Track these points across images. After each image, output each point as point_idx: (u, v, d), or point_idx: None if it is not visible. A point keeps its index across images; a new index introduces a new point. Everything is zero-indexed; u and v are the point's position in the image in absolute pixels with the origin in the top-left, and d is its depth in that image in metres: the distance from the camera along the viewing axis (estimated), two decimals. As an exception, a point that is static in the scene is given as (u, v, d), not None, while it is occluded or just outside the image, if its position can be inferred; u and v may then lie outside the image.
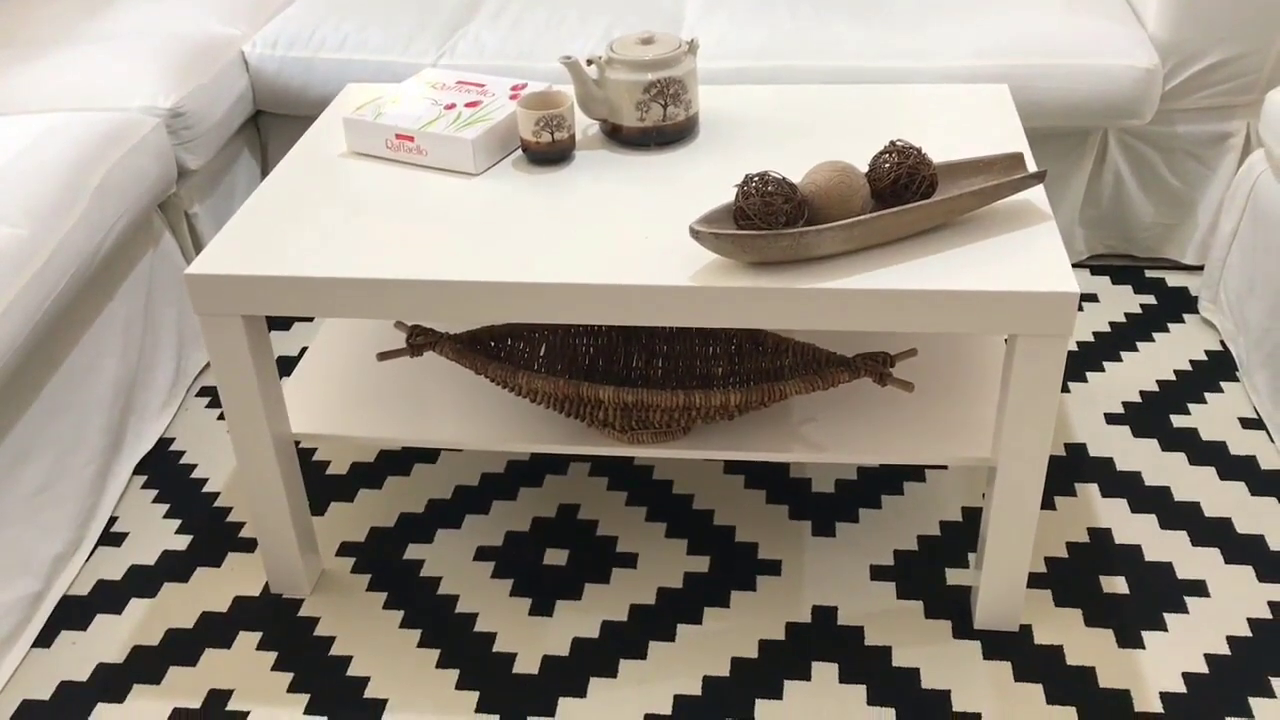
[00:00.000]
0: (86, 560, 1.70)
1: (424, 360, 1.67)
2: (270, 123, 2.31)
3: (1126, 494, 1.72)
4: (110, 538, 1.74)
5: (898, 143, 1.37)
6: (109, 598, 1.64)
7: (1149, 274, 2.24)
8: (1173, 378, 1.96)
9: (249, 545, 1.71)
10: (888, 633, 1.52)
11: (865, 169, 1.50)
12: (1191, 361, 2.00)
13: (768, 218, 1.29)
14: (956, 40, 2.06)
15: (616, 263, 1.35)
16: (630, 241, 1.39)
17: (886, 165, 1.35)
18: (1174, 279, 2.22)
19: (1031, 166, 1.46)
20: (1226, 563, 1.60)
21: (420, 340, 1.53)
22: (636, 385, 1.59)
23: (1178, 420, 1.86)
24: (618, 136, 1.61)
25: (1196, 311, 2.12)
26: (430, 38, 2.19)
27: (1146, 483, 1.74)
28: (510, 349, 1.60)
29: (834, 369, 1.45)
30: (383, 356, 1.54)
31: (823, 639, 1.52)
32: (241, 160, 2.26)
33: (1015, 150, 1.48)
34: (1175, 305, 2.14)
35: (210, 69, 2.08)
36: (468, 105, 1.62)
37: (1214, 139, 2.14)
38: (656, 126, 1.58)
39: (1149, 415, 1.88)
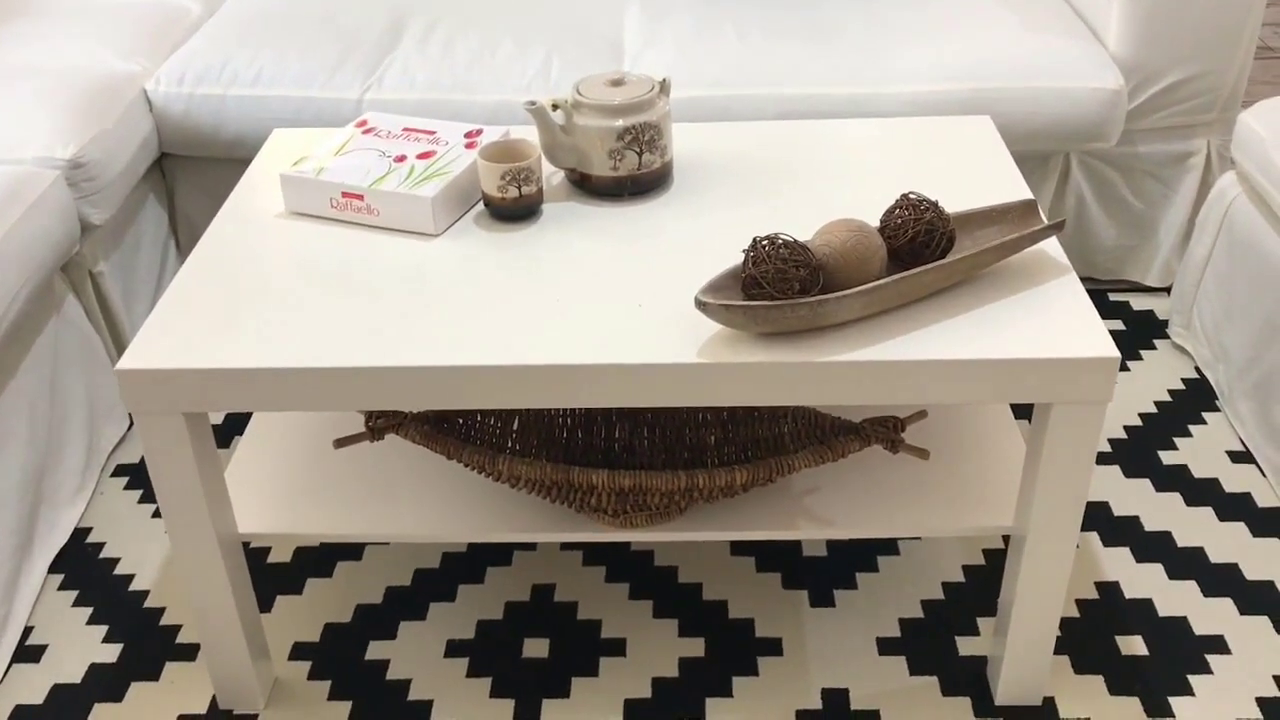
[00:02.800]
0: (0, 683, 1.49)
1: (383, 441, 1.50)
2: (177, 165, 2.11)
3: (1128, 542, 1.65)
4: (27, 652, 1.54)
5: (911, 196, 1.26)
6: (31, 726, 1.44)
7: (1112, 297, 2.18)
8: (1154, 410, 1.90)
9: (190, 652, 1.53)
10: (906, 716, 1.42)
11: (863, 216, 1.39)
12: (1170, 391, 1.94)
13: (782, 285, 1.17)
14: (917, 65, 1.97)
15: (610, 338, 1.21)
16: (621, 312, 1.26)
17: (901, 222, 1.24)
18: (1138, 302, 2.16)
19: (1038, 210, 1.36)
20: (1241, 614, 1.53)
21: (382, 424, 1.37)
22: (622, 456, 1.45)
23: (1166, 457, 1.80)
24: (587, 186, 1.47)
25: (1167, 337, 2.06)
26: (354, 69, 2.02)
27: (1146, 528, 1.67)
28: (481, 425, 1.45)
29: (843, 438, 1.34)
30: (340, 443, 1.38)
31: (837, 727, 1.41)
32: (147, 209, 2.06)
33: (1024, 196, 1.39)
34: (1145, 331, 2.08)
35: (111, 112, 1.88)
36: (420, 157, 1.46)
37: (1175, 158, 2.09)
38: (631, 176, 1.45)
39: (1137, 453, 1.81)
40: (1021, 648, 1.38)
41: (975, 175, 1.49)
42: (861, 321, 1.22)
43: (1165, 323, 2.10)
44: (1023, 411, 1.87)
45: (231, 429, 1.91)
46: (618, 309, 1.26)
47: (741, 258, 1.32)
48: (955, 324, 1.21)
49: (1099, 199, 2.12)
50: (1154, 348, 2.04)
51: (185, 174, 2.12)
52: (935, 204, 1.25)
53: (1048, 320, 1.22)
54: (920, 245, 1.23)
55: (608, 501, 1.32)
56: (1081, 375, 1.17)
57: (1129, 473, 1.77)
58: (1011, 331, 1.20)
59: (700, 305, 1.16)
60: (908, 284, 1.20)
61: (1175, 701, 1.42)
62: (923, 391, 1.18)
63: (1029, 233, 1.26)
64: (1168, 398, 1.92)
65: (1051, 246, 1.34)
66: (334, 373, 1.20)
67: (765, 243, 1.19)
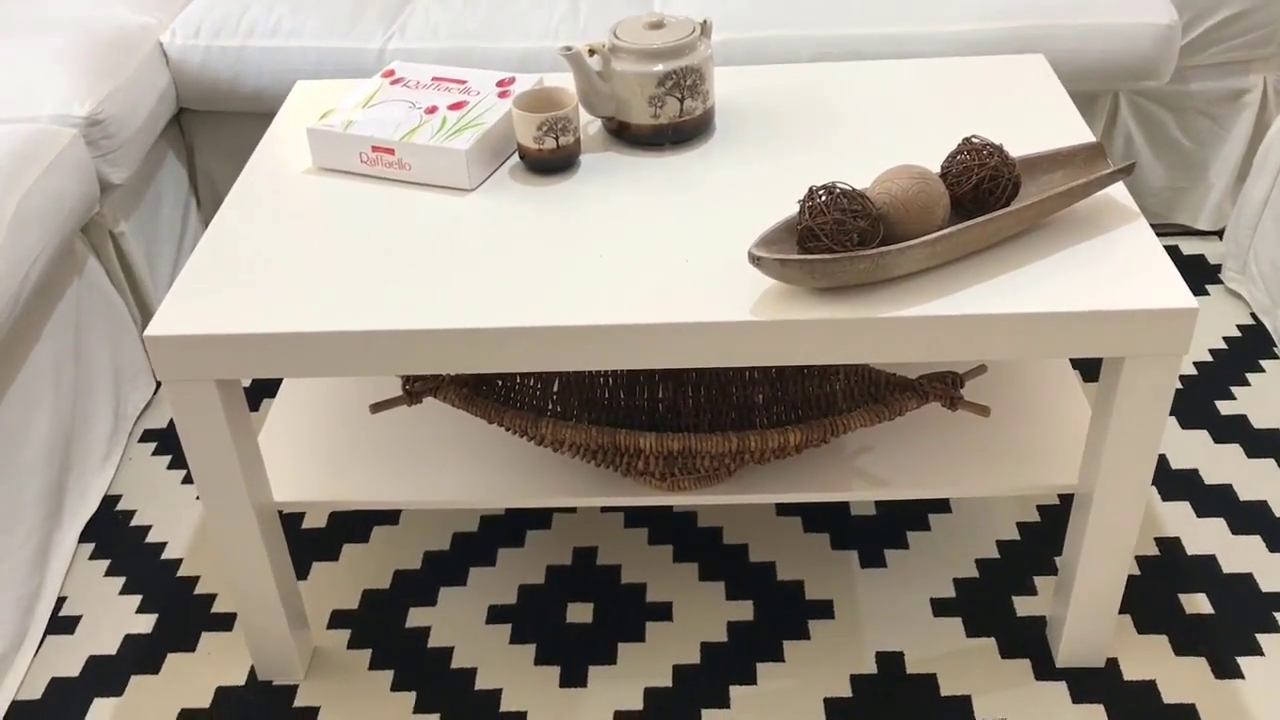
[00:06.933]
0: (35, 654, 1.46)
1: (420, 404, 1.46)
2: (195, 121, 2.05)
3: (1188, 496, 1.59)
4: (60, 624, 1.51)
5: (974, 140, 1.19)
6: (67, 700, 1.41)
7: (1161, 242, 2.11)
8: (1209, 358, 1.83)
9: (226, 622, 1.49)
10: (964, 679, 1.37)
11: (917, 162, 1.32)
12: (1225, 339, 1.87)
13: (840, 238, 1.11)
14: (959, 2, 1.88)
15: (657, 296, 1.16)
16: (667, 268, 1.20)
17: (964, 167, 1.18)
18: (1188, 246, 2.09)
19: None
20: (1309, 570, 1.49)
21: (420, 387, 1.32)
22: (667, 417, 1.40)
23: (1224, 407, 1.74)
24: (626, 135, 1.41)
25: (1220, 282, 2.00)
26: (375, 17, 1.95)
27: (1206, 481, 1.62)
28: (520, 387, 1.40)
29: (899, 395, 1.28)
30: (377, 408, 1.33)
31: (894, 691, 1.36)
32: (166, 166, 2.01)
33: (1087, 139, 1.32)
34: (1197, 276, 2.02)
35: (127, 66, 1.82)
36: (451, 108, 1.40)
37: (1229, 96, 2.00)
38: (673, 123, 1.38)
39: (1194, 403, 1.75)
40: (1085, 608, 1.33)
41: (1032, 117, 1.42)
42: (922, 274, 1.16)
43: (1217, 268, 2.03)
44: (1078, 362, 1.81)
45: (260, 391, 1.87)
46: (664, 264, 1.20)
47: (794, 208, 1.26)
48: (1023, 275, 1.15)
49: (1148, 140, 2.04)
50: (1206, 294, 1.98)
51: (204, 129, 2.06)
52: (1000, 148, 1.18)
53: (1120, 269, 1.15)
54: (985, 192, 1.17)
55: (655, 465, 1.28)
56: (1158, 327, 1.11)
57: (1186, 424, 1.71)
58: (1082, 282, 1.14)
59: (754, 260, 1.11)
60: (973, 233, 1.14)
61: (1244, 661, 1.38)
62: (991, 347, 1.12)
63: (1098, 176, 1.19)
64: (1223, 346, 1.86)
65: (1119, 191, 1.28)
66: (370, 336, 1.14)
67: (823, 193, 1.13)
